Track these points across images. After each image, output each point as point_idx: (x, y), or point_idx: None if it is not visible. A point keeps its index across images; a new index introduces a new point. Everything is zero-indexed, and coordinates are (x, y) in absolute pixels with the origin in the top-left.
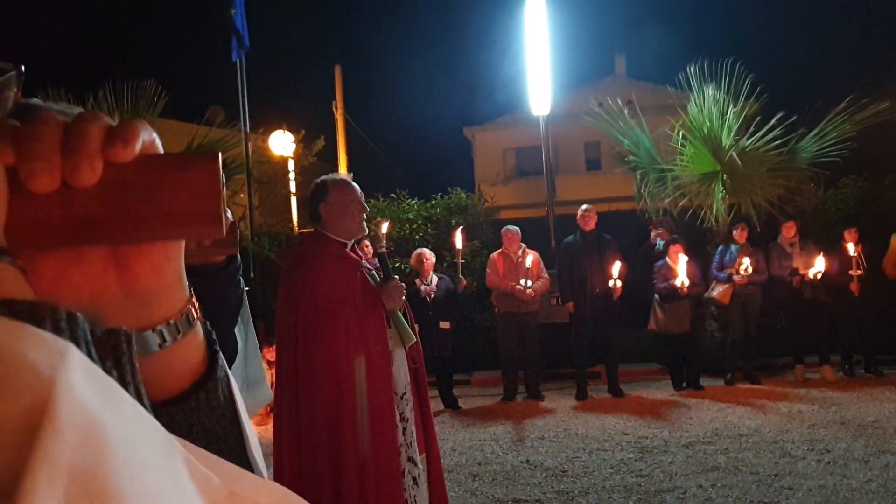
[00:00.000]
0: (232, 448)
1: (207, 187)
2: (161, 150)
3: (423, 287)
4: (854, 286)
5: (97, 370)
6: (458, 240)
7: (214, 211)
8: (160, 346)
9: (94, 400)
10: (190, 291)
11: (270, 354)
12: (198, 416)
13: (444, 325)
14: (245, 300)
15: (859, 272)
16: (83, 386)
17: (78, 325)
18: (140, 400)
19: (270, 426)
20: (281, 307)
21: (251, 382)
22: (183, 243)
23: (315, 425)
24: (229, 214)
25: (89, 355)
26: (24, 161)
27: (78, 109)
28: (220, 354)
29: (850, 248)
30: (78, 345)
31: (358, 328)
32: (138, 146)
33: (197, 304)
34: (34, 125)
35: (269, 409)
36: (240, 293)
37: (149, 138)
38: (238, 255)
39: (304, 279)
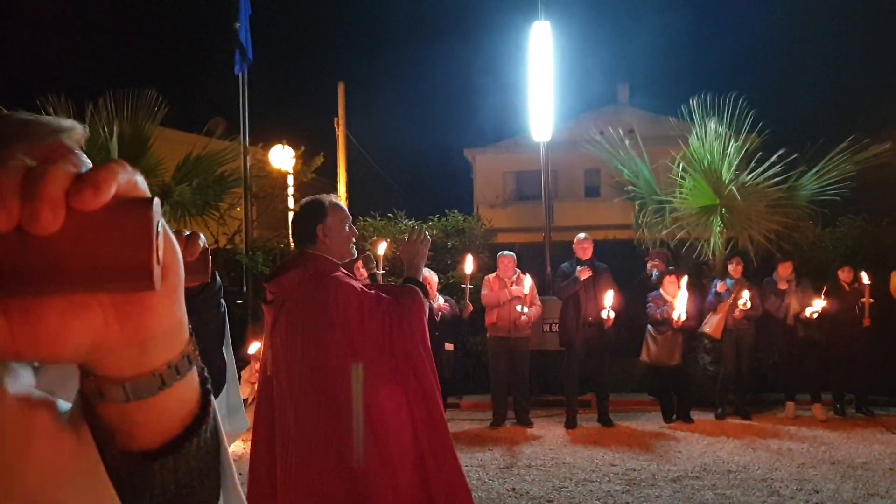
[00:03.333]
0: (211, 483)
1: (137, 239)
2: (146, 190)
3: (435, 304)
4: (866, 319)
5: None
6: (468, 265)
7: (143, 265)
8: (160, 389)
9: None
10: (190, 332)
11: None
12: (186, 459)
13: (449, 346)
14: (227, 323)
15: (871, 300)
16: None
17: None
18: None
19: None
20: (285, 337)
21: (230, 410)
22: (182, 286)
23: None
24: (202, 241)
25: None
26: None
27: (69, 122)
28: (212, 394)
29: (864, 276)
30: None
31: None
32: (111, 192)
33: (195, 344)
34: None
35: None
36: (220, 317)
37: (127, 180)
38: (217, 277)
39: (324, 296)
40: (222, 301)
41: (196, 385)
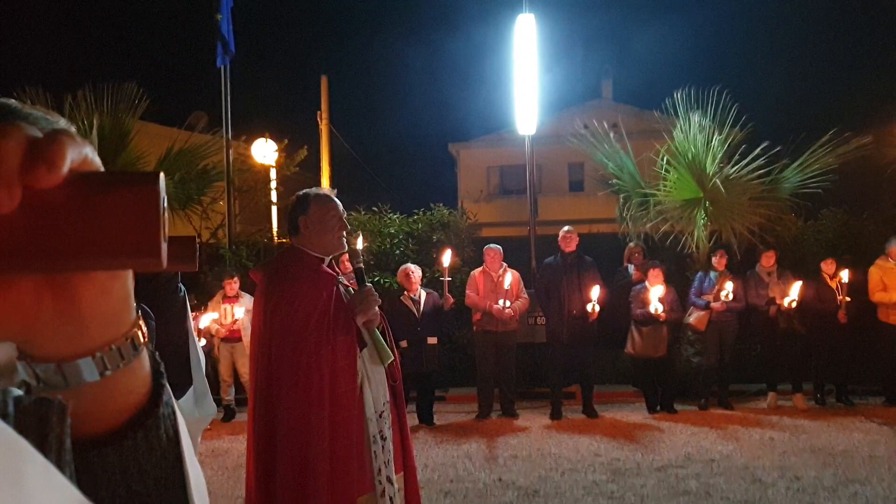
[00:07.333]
0: (171, 495)
1: (145, 214)
2: (97, 164)
3: (410, 298)
4: (841, 314)
5: (2, 432)
6: (446, 258)
7: (152, 242)
8: (101, 374)
9: None
10: (137, 313)
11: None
12: (134, 457)
13: (432, 340)
14: (188, 309)
15: (847, 299)
16: None
17: None
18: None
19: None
20: (255, 323)
21: (197, 396)
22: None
23: (284, 444)
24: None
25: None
26: None
27: (61, 121)
28: (167, 388)
29: (843, 275)
30: None
31: (326, 348)
32: (66, 168)
33: (144, 328)
34: None
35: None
36: (180, 301)
37: (79, 155)
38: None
39: (277, 298)
40: (181, 286)
41: (146, 375)
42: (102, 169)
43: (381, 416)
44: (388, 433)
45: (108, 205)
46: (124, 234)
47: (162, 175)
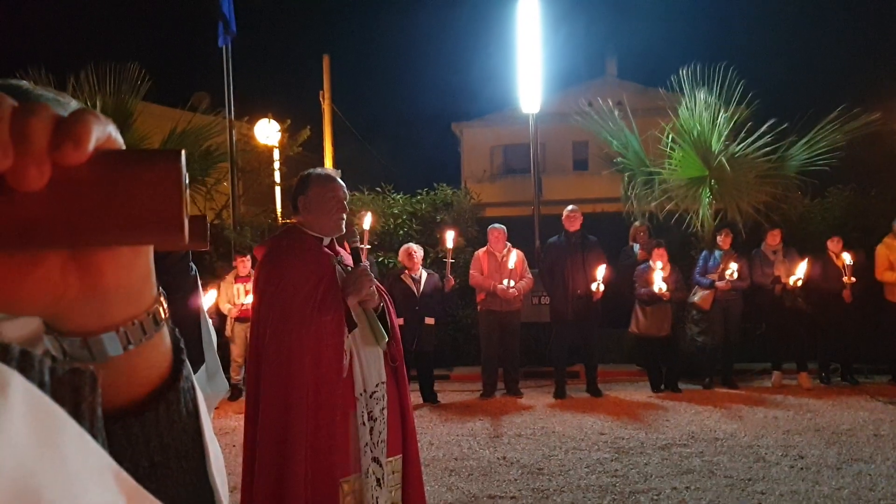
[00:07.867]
0: (191, 467)
1: (168, 190)
2: (120, 142)
3: (411, 277)
4: (847, 293)
5: (41, 400)
6: (450, 238)
7: (175, 217)
8: (125, 348)
9: (29, 444)
10: (158, 289)
11: None
12: (156, 429)
13: (430, 321)
14: (199, 288)
15: (852, 280)
16: (19, 428)
17: (33, 366)
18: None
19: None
20: (253, 299)
21: (209, 374)
22: None
23: (263, 422)
24: None
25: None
26: None
27: (73, 102)
28: (187, 363)
29: (846, 257)
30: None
31: (310, 327)
32: (92, 145)
33: (165, 304)
34: None
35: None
36: (192, 281)
37: (103, 133)
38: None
39: (268, 271)
40: (192, 265)
41: (167, 349)
42: (125, 147)
43: (371, 396)
44: (380, 415)
45: (132, 181)
46: (149, 210)
47: (184, 153)
